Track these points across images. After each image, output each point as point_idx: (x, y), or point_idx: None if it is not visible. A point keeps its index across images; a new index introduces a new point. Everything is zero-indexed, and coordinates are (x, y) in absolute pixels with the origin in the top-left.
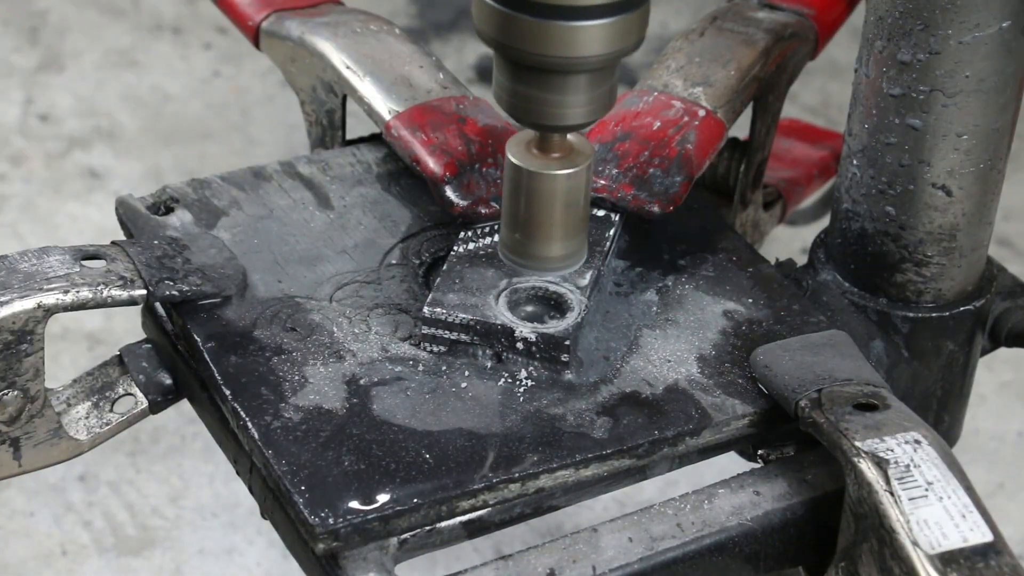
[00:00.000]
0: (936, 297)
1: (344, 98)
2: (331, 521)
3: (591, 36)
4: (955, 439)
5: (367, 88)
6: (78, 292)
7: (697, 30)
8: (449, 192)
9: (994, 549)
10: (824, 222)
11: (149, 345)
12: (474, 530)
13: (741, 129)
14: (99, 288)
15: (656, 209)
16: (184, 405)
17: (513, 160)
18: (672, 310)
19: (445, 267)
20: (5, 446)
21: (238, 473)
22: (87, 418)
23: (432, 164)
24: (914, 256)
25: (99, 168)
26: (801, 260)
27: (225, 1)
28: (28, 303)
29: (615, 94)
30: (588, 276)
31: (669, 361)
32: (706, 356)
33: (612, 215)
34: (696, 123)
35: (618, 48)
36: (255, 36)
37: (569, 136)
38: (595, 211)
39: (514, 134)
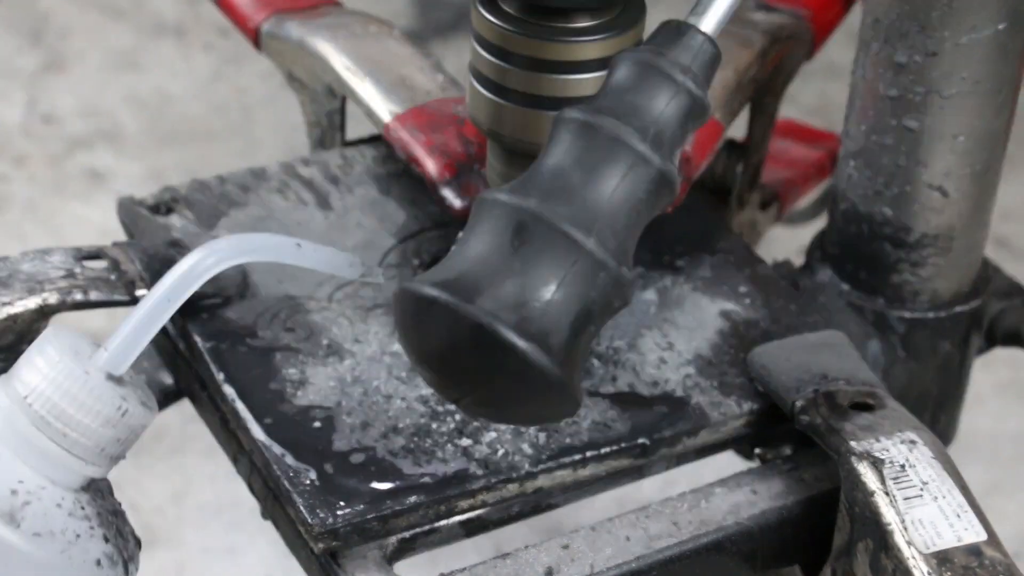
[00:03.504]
0: (932, 298)
1: (344, 99)
2: (330, 521)
3: None
4: (951, 439)
5: (367, 89)
6: (80, 292)
7: None
8: (448, 193)
9: (988, 548)
10: (821, 222)
11: (150, 345)
12: (472, 529)
13: (738, 130)
14: (101, 288)
15: None
16: (186, 404)
17: None
18: (670, 310)
19: None
20: None
21: (238, 473)
22: None
23: (431, 165)
24: (911, 257)
25: (101, 169)
26: (798, 260)
27: (225, 2)
28: (30, 303)
29: None
30: None
31: (666, 362)
32: (704, 356)
33: None
34: None
35: None
36: (255, 37)
37: None
38: None
39: None
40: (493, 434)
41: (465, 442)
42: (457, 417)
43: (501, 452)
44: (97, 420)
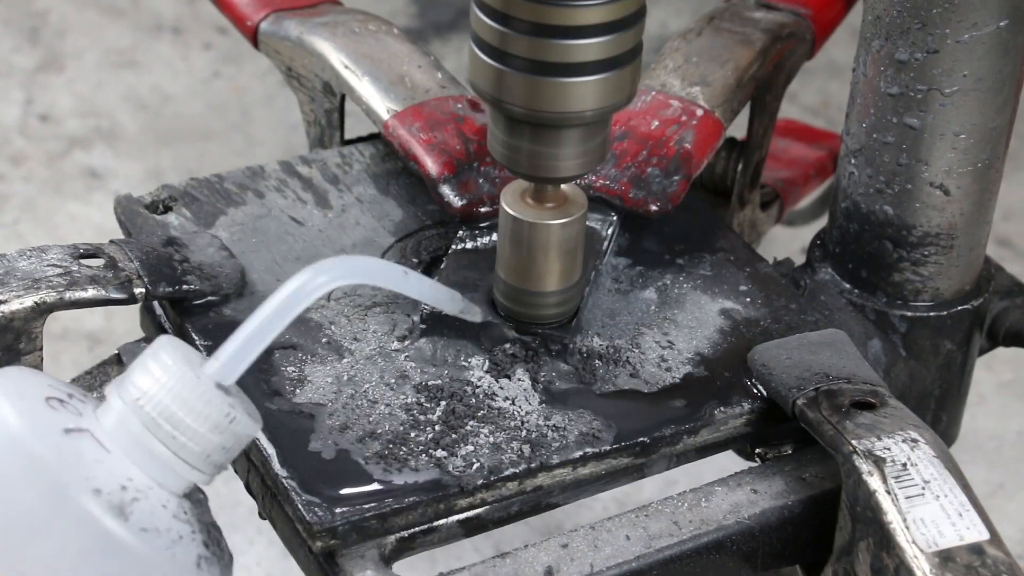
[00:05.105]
0: (934, 296)
1: (343, 98)
2: (329, 519)
3: (584, 92)
4: (953, 438)
5: (366, 88)
6: (76, 291)
7: (695, 30)
8: (447, 191)
9: (991, 547)
10: (822, 222)
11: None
12: (472, 528)
13: (739, 129)
14: (97, 287)
15: (654, 208)
16: None
17: (508, 210)
18: (670, 309)
19: (444, 265)
20: None
21: (236, 472)
22: None
23: (430, 163)
24: (912, 255)
25: (99, 168)
26: (799, 259)
27: (223, 1)
28: (26, 301)
29: (608, 145)
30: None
31: (667, 360)
32: (704, 355)
33: (610, 214)
34: (694, 122)
35: (611, 103)
36: (254, 36)
37: (563, 186)
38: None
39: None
40: (470, 447)
41: (440, 454)
42: (437, 428)
43: (476, 465)
44: (206, 425)
